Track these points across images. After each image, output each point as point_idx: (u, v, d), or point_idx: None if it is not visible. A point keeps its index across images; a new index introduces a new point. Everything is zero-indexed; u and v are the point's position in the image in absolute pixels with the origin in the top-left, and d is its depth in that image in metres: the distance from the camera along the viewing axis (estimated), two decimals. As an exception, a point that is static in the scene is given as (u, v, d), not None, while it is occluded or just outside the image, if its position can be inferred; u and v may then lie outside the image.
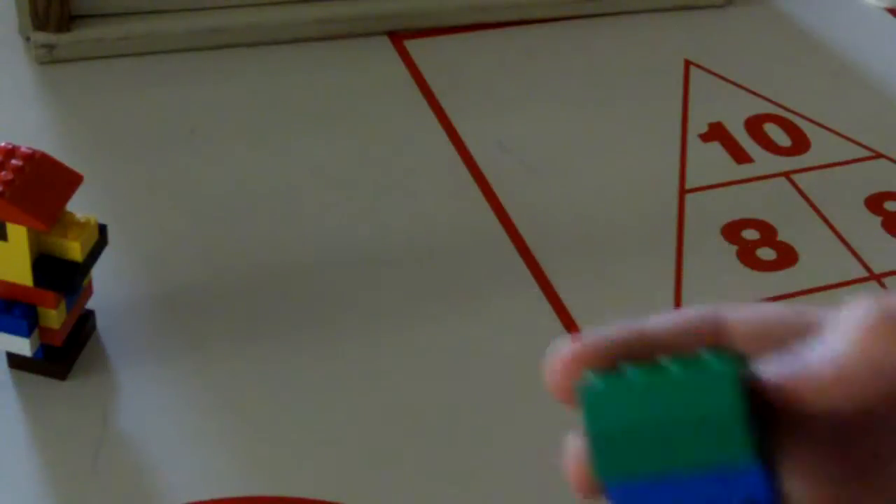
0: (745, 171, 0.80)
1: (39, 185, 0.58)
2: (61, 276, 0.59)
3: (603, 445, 0.33)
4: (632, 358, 0.34)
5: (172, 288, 0.68)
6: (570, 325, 0.68)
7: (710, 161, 0.81)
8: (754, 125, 0.84)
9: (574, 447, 0.34)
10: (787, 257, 0.74)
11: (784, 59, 0.91)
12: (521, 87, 0.85)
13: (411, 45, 0.88)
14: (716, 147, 0.82)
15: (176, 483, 0.59)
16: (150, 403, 0.62)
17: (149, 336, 0.65)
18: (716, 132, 0.83)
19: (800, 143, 0.83)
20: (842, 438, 0.35)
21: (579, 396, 0.33)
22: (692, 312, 0.36)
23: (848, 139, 0.84)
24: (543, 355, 0.69)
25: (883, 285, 0.73)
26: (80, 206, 0.61)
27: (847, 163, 0.82)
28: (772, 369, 0.33)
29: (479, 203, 0.76)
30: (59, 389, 0.62)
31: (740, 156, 0.81)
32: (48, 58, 0.82)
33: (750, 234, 0.76)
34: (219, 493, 0.59)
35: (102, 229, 0.61)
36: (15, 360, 0.63)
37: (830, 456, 0.35)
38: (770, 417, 0.33)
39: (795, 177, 0.80)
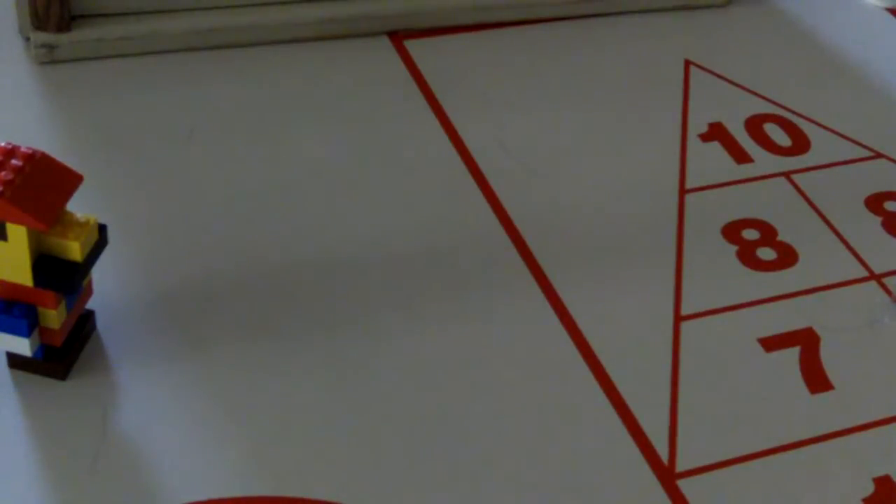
0: (745, 171, 0.80)
1: (39, 185, 0.58)
2: (61, 276, 0.59)
3: None
4: None
5: (173, 288, 0.68)
6: (570, 325, 0.68)
7: (710, 161, 0.81)
8: (754, 125, 0.84)
9: None
10: (787, 257, 0.74)
11: (784, 59, 0.91)
12: (521, 87, 0.85)
13: (411, 45, 0.88)
14: (716, 147, 0.82)
15: (176, 483, 0.59)
16: (150, 403, 0.62)
17: (149, 336, 0.65)
18: (716, 132, 0.83)
19: (800, 143, 0.83)
20: None
21: None
22: None
23: (848, 139, 0.84)
24: (543, 354, 0.70)
25: (883, 285, 0.73)
26: (80, 206, 0.62)
27: (847, 163, 0.82)
28: None
29: (479, 203, 0.76)
30: (59, 389, 0.62)
31: (740, 156, 0.81)
32: (48, 58, 0.82)
33: (750, 234, 0.76)
34: (218, 493, 0.59)
35: (102, 229, 0.61)
36: (15, 360, 0.63)
37: None
38: None
39: (795, 177, 0.80)
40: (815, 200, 0.79)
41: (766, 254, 0.74)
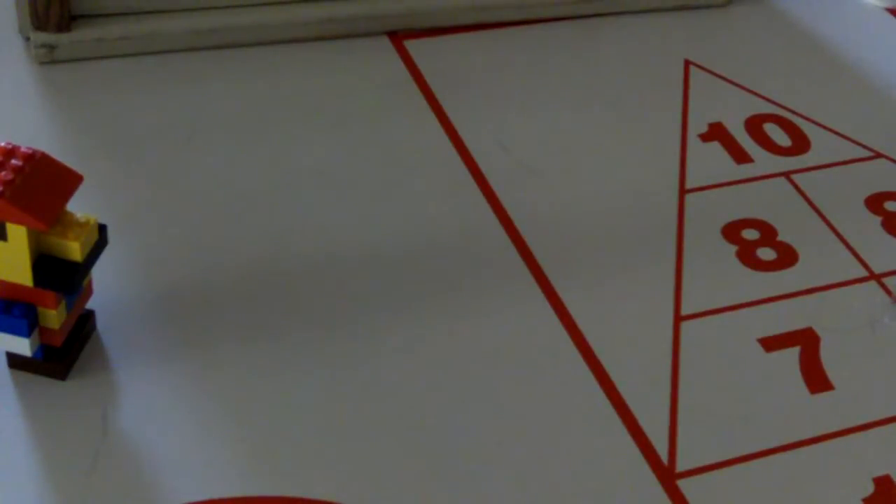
0: (745, 171, 0.80)
1: (39, 185, 0.58)
2: (61, 276, 0.59)
3: None
4: None
5: (172, 288, 0.68)
6: (570, 325, 0.68)
7: (710, 161, 0.81)
8: (754, 125, 0.84)
9: None
10: (787, 257, 0.74)
11: (784, 59, 0.91)
12: (521, 87, 0.85)
13: (411, 45, 0.88)
14: (716, 147, 0.82)
15: (175, 483, 0.59)
16: (150, 403, 0.62)
17: (149, 336, 0.65)
18: (716, 132, 0.83)
19: (800, 143, 0.83)
20: None
21: None
22: None
23: (848, 139, 0.84)
24: (543, 354, 0.70)
25: (883, 285, 0.73)
26: (80, 206, 0.61)
27: (847, 163, 0.82)
28: None
29: (479, 203, 0.76)
30: (59, 389, 0.62)
31: (740, 156, 0.81)
32: (48, 58, 0.82)
33: (750, 234, 0.76)
34: (219, 493, 0.59)
35: (102, 229, 0.61)
36: (15, 360, 0.63)
37: None
38: None
39: (795, 177, 0.80)
40: (815, 200, 0.79)
41: (766, 254, 0.74)
